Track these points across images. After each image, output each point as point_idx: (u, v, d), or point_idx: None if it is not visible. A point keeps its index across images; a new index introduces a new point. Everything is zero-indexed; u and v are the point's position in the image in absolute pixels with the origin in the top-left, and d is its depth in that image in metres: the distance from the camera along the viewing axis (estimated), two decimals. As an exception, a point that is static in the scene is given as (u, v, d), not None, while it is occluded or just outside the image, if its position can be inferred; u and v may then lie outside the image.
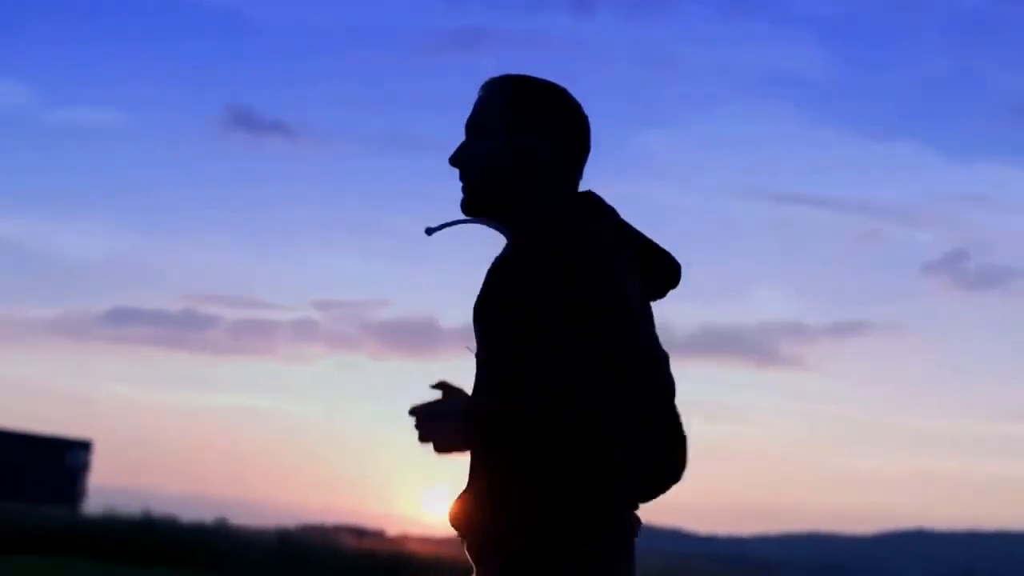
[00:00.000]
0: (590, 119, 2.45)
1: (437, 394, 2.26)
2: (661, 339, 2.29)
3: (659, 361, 2.22)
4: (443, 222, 2.45)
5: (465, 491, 2.30)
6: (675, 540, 67.26)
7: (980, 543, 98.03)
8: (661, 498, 2.28)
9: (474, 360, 2.35)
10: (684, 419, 2.21)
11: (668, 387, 2.21)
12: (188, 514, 22.66)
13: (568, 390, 2.15)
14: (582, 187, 2.45)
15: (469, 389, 2.31)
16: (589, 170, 2.47)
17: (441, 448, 2.21)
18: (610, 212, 2.38)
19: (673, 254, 2.40)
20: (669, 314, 2.44)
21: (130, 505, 22.69)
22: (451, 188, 2.46)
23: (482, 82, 2.47)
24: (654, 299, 2.39)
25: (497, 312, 2.25)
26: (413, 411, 2.23)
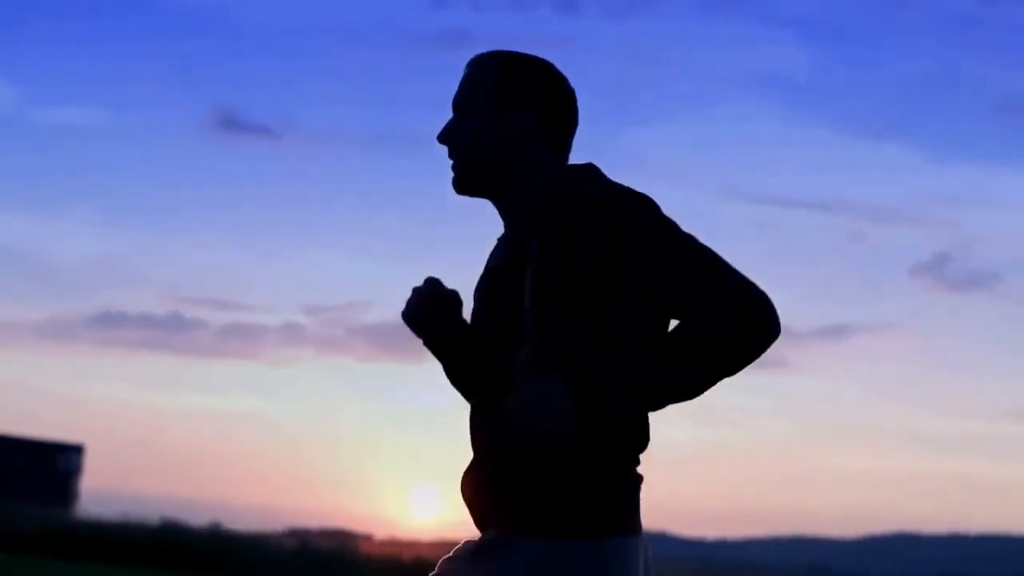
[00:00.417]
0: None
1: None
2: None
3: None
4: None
5: (471, 464, 2.39)
6: (662, 543, 67.35)
7: (964, 546, 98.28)
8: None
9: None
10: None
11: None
12: (180, 517, 22.77)
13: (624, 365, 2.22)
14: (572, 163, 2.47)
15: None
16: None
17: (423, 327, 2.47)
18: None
19: None
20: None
21: (122, 508, 22.78)
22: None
23: (468, 60, 2.46)
24: None
25: (563, 272, 2.27)
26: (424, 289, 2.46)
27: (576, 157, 2.45)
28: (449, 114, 2.44)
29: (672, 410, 2.31)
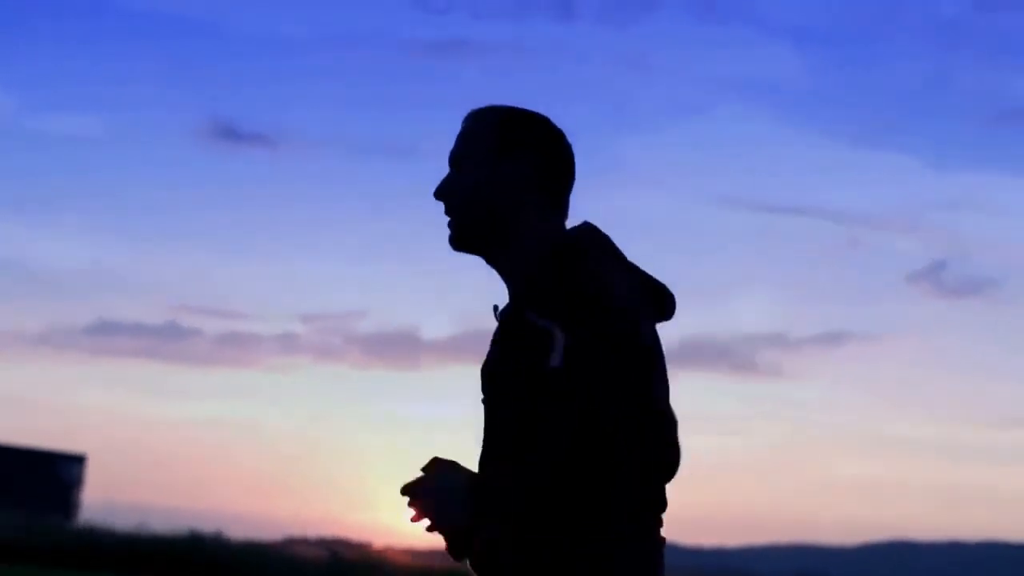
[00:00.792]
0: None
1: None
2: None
3: (671, 427, 2.24)
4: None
5: None
6: (660, 551, 66.99)
7: (963, 553, 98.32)
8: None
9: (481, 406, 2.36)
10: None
11: (674, 459, 2.24)
12: (181, 526, 22.83)
13: (573, 455, 2.13)
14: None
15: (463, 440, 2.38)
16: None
17: (443, 528, 2.24)
18: (612, 245, 2.35)
19: (657, 268, 2.39)
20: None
21: (124, 518, 22.83)
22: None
23: (466, 114, 2.46)
24: None
25: (513, 368, 2.24)
26: (407, 490, 2.24)
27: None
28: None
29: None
